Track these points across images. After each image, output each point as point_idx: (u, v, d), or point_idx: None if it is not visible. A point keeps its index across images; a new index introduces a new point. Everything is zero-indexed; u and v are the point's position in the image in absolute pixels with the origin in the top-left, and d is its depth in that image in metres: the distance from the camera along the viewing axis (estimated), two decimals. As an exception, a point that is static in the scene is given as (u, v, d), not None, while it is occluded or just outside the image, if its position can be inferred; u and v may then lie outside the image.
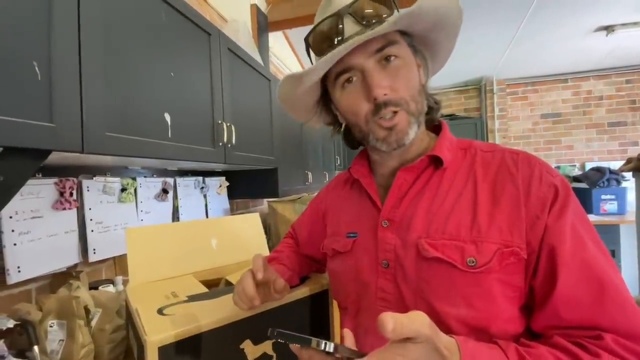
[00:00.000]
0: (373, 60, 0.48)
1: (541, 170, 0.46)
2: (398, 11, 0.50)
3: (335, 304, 0.69)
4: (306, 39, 0.54)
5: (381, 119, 0.48)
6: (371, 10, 0.48)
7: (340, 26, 0.48)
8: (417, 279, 0.47)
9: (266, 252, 1.01)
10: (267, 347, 0.62)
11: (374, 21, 0.48)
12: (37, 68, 0.58)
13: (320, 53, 0.51)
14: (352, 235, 0.57)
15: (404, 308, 0.48)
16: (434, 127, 0.60)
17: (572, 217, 0.43)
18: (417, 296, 0.47)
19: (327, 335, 0.74)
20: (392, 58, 0.48)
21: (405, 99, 0.48)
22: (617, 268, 0.42)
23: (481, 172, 0.49)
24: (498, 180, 0.47)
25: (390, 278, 0.50)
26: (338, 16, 0.49)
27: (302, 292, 0.69)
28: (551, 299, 0.41)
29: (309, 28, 0.53)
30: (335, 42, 0.49)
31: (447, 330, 0.41)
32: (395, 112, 0.48)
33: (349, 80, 0.50)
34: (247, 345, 0.59)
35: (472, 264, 0.43)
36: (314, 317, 0.71)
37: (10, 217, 0.81)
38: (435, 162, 0.51)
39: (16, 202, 0.82)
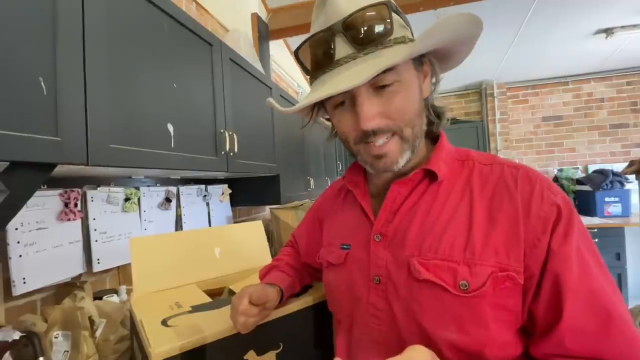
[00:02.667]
0: (365, 85, 0.43)
1: (542, 188, 0.43)
2: (406, 22, 0.47)
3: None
4: (296, 52, 0.50)
5: (370, 143, 0.46)
6: (366, 31, 0.43)
7: (332, 45, 0.44)
8: (408, 299, 0.45)
9: (269, 260, 1.01)
10: (270, 357, 0.62)
11: (369, 42, 0.43)
12: (42, 83, 0.59)
13: (309, 71, 0.50)
14: (345, 247, 0.56)
15: (395, 326, 0.47)
16: (432, 133, 0.56)
17: (577, 240, 0.40)
18: (408, 316, 0.45)
19: (330, 344, 0.74)
20: (386, 85, 0.44)
21: (399, 126, 0.45)
22: (621, 295, 0.41)
23: (478, 188, 0.46)
24: (496, 197, 0.45)
25: (382, 294, 0.48)
26: (330, 32, 0.44)
27: (305, 301, 0.69)
28: (556, 328, 0.39)
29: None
30: (325, 61, 0.46)
31: (439, 353, 0.39)
32: (386, 139, 0.46)
33: (340, 103, 0.47)
34: (251, 356, 0.60)
35: (465, 288, 0.41)
36: (317, 326, 0.71)
37: (16, 229, 0.82)
38: (431, 175, 0.49)
39: (22, 214, 0.83)
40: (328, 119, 0.57)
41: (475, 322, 0.41)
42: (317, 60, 0.47)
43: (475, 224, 0.43)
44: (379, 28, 0.43)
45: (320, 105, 0.55)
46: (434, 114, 0.53)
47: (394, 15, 0.44)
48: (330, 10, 0.45)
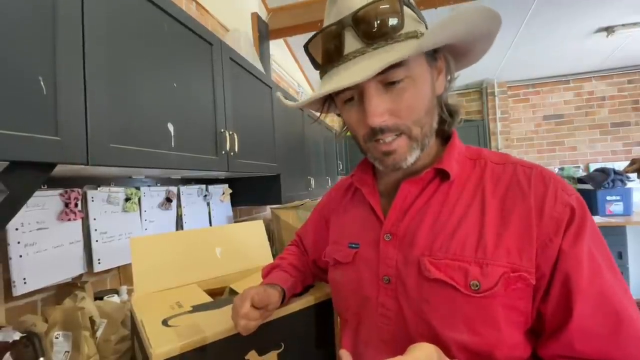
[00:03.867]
0: (374, 81, 0.42)
1: (556, 188, 0.42)
2: (420, 17, 0.46)
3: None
4: (305, 46, 0.49)
5: (379, 141, 0.46)
6: (376, 24, 0.41)
7: (341, 39, 0.44)
8: (418, 299, 0.45)
9: (270, 260, 1.01)
10: (272, 357, 0.62)
11: (379, 36, 0.42)
12: (42, 83, 0.59)
13: (319, 65, 0.49)
14: (354, 245, 0.55)
15: (404, 326, 0.46)
16: (444, 132, 0.54)
17: (588, 242, 0.40)
18: (417, 316, 0.45)
19: (332, 344, 0.74)
20: (396, 81, 0.43)
21: (407, 125, 0.44)
22: (633, 298, 0.40)
23: (490, 187, 0.46)
24: (508, 197, 0.44)
25: (392, 294, 0.48)
26: (340, 26, 0.43)
27: (307, 300, 0.69)
28: (565, 330, 0.38)
29: (309, 35, 0.49)
30: (334, 56, 0.45)
31: (448, 354, 0.39)
32: (394, 137, 0.45)
33: (350, 99, 0.47)
34: (252, 356, 0.59)
35: (476, 288, 0.40)
36: (318, 326, 0.71)
37: (16, 229, 0.82)
38: (442, 174, 0.48)
39: (22, 214, 0.83)
40: (339, 115, 0.56)
41: (486, 322, 0.40)
42: (327, 54, 0.46)
43: (487, 223, 0.43)
44: (389, 22, 0.42)
45: (331, 100, 0.54)
46: (447, 112, 0.51)
47: (405, 8, 0.43)
48: (342, 4, 0.44)
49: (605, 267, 0.40)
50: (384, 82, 0.43)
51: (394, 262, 0.48)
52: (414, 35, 0.42)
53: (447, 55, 0.48)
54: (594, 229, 0.41)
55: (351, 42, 0.43)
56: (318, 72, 0.51)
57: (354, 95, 0.46)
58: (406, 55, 0.39)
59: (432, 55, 0.46)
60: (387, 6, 0.42)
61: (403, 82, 0.43)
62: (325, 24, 0.47)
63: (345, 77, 0.42)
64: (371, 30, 0.42)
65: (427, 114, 0.46)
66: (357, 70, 0.42)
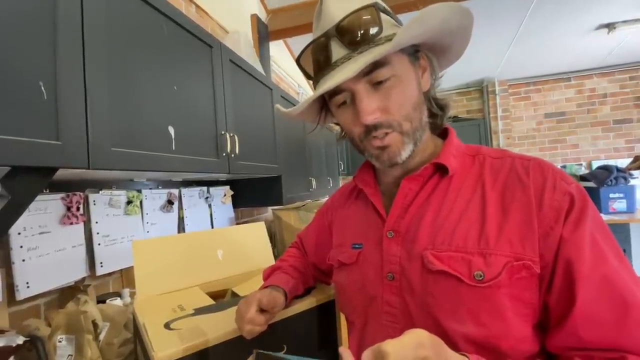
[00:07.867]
0: (363, 82, 0.46)
1: (555, 178, 0.43)
2: (397, 21, 0.49)
3: (342, 314, 0.69)
4: (297, 60, 0.53)
5: (374, 138, 0.48)
6: (357, 32, 0.45)
7: (328, 49, 0.47)
8: (422, 293, 0.45)
9: (272, 262, 1.00)
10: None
11: (361, 42, 0.45)
12: (43, 87, 0.59)
13: (311, 76, 0.52)
14: (357, 246, 0.56)
15: (410, 323, 0.46)
16: (442, 131, 0.57)
17: (590, 228, 0.40)
18: (423, 311, 0.45)
19: (334, 345, 0.74)
20: (383, 81, 0.46)
21: (398, 121, 0.47)
22: None
23: (490, 180, 0.47)
24: (508, 189, 0.45)
25: (396, 291, 0.48)
26: (325, 37, 0.47)
27: (309, 302, 0.69)
28: (569, 318, 0.38)
29: (309, 36, 0.52)
30: (324, 65, 0.48)
31: (455, 349, 0.38)
32: (387, 133, 0.47)
33: (343, 102, 0.49)
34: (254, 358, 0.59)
35: (480, 278, 0.40)
36: (321, 327, 0.71)
37: (19, 234, 0.82)
38: (441, 170, 0.49)
39: (24, 218, 0.83)
40: (337, 124, 0.59)
41: (491, 313, 0.40)
42: (317, 65, 0.49)
43: (488, 216, 0.44)
44: (368, 28, 0.45)
45: (327, 110, 0.57)
46: (436, 107, 0.53)
47: (382, 15, 0.46)
48: (325, 18, 0.48)
49: (610, 252, 0.39)
50: (372, 83, 0.46)
51: (398, 259, 0.49)
52: (393, 37, 0.45)
53: (428, 54, 0.51)
54: (596, 216, 0.41)
55: (337, 50, 0.47)
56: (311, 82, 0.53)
57: (347, 99, 0.49)
58: (383, 54, 0.42)
59: (414, 54, 0.49)
60: (366, 15, 0.45)
61: (390, 81, 0.46)
62: (313, 37, 0.51)
63: (333, 80, 0.46)
64: (353, 38, 0.45)
65: (416, 109, 0.48)
66: (343, 73, 0.45)
